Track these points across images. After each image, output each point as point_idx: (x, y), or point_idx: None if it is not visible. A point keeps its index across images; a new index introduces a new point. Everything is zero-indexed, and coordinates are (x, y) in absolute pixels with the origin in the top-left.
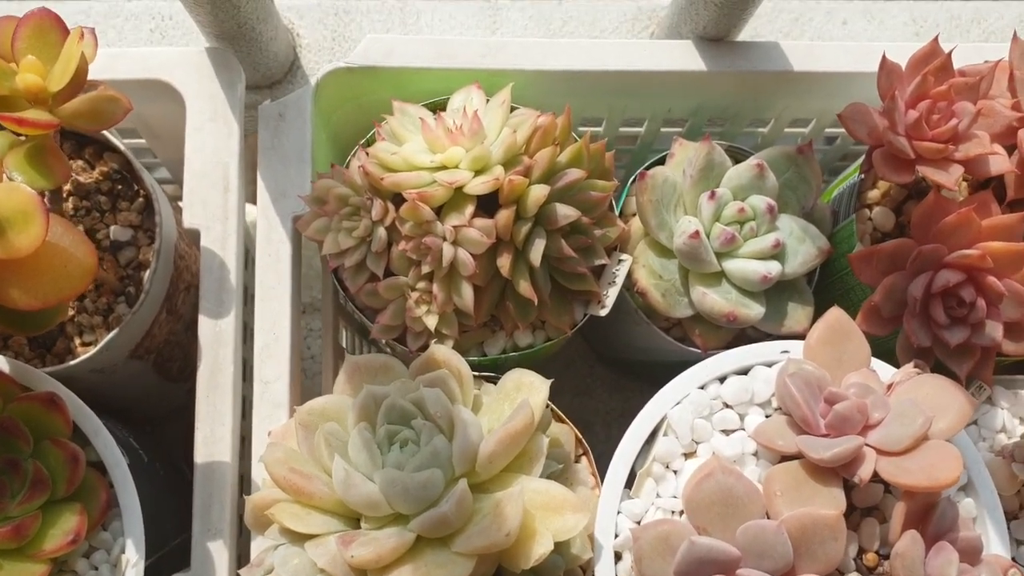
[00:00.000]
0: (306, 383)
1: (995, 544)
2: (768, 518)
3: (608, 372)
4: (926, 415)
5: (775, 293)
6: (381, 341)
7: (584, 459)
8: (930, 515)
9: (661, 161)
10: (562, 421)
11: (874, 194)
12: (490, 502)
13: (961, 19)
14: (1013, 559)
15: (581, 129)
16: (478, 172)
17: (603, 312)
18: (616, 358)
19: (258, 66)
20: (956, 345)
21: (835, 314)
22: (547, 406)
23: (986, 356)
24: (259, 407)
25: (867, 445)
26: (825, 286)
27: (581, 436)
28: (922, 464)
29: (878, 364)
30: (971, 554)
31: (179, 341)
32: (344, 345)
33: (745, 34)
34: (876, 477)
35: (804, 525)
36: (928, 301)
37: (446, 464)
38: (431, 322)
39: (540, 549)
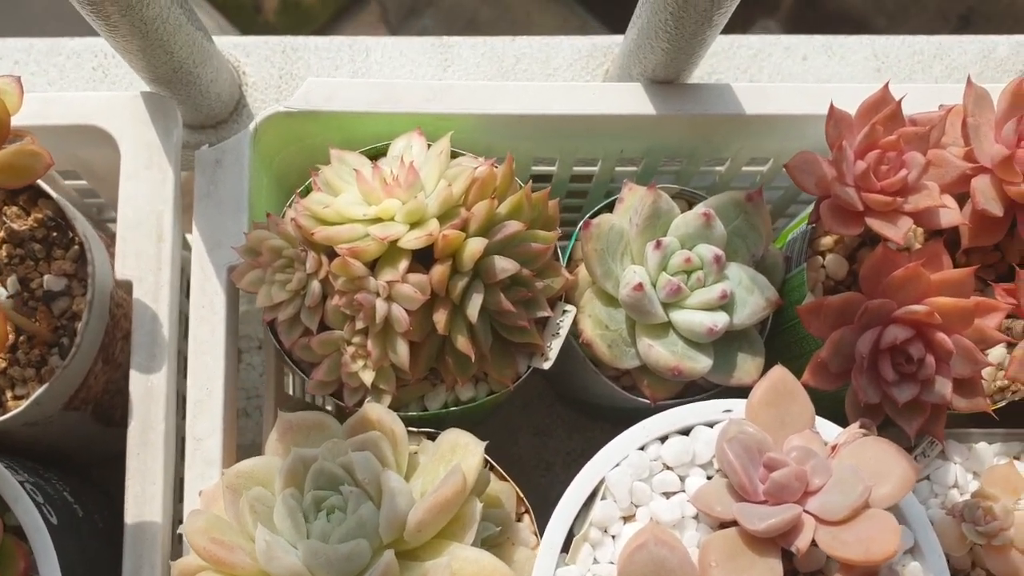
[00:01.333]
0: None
1: None
2: None
3: (568, 412)
4: (865, 484)
5: (724, 344)
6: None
7: (526, 517)
8: None
9: (611, 206)
10: (503, 479)
11: (827, 241)
12: (418, 572)
13: (924, 54)
14: None
15: (535, 169)
16: (413, 225)
17: (546, 365)
18: (574, 398)
19: (200, 107)
20: (905, 403)
21: (778, 373)
22: (487, 466)
23: (937, 412)
24: (192, 464)
25: (807, 512)
26: (777, 334)
27: (522, 494)
28: (859, 536)
29: (823, 424)
30: None
31: (120, 388)
32: (291, 392)
33: (702, 71)
34: (816, 544)
35: None
36: (876, 357)
37: (373, 534)
38: (367, 377)
39: None
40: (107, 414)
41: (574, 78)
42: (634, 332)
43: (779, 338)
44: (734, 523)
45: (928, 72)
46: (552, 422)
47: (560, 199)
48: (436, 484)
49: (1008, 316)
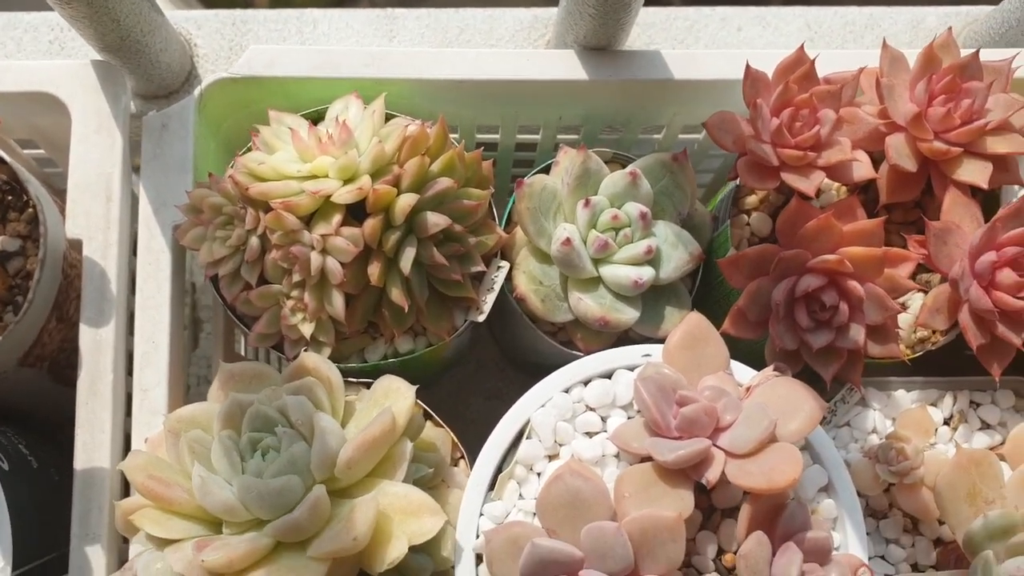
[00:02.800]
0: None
1: (853, 544)
2: (617, 520)
3: (519, 375)
4: (771, 419)
5: (652, 297)
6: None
7: (462, 462)
8: (779, 516)
9: (549, 169)
10: (439, 426)
11: (752, 200)
12: (347, 508)
13: (856, 25)
14: (882, 557)
15: (481, 137)
16: (346, 181)
17: (480, 318)
18: (523, 361)
19: (151, 77)
20: (820, 348)
21: (695, 319)
22: (424, 412)
23: (853, 359)
24: (138, 414)
25: (717, 447)
26: (709, 291)
27: (457, 440)
28: (763, 467)
29: (739, 368)
30: (820, 554)
31: (76, 347)
32: (244, 354)
33: (640, 42)
34: (726, 477)
35: (644, 527)
36: (792, 305)
37: (305, 471)
38: (307, 330)
39: (394, 552)
40: (63, 373)
41: (516, 48)
42: (566, 287)
43: (710, 295)
44: (650, 459)
45: (860, 42)
46: (504, 385)
47: (510, 167)
48: (366, 424)
49: (929, 271)
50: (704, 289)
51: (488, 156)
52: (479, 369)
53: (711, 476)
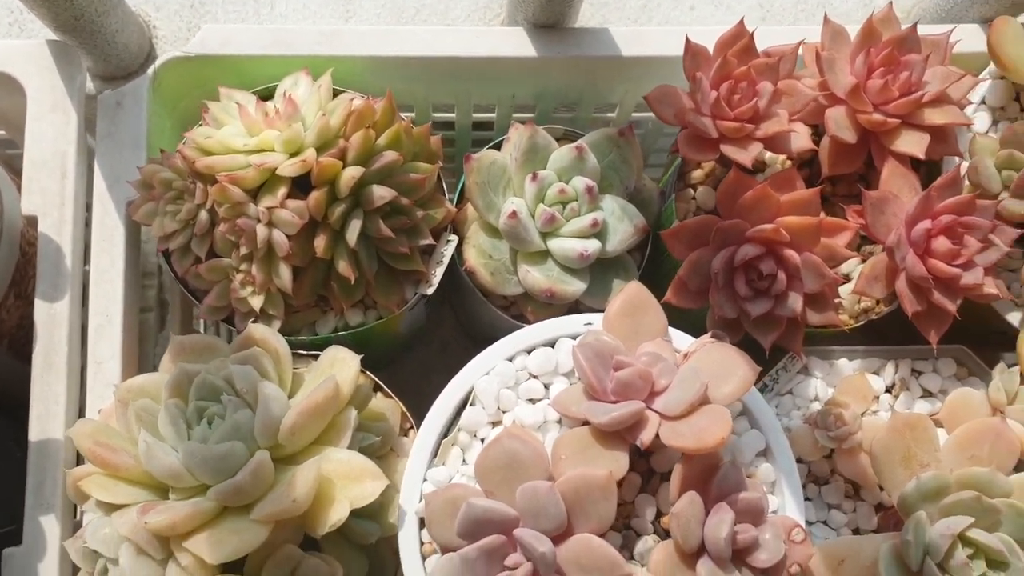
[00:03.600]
0: None
1: (790, 507)
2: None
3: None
4: (702, 381)
5: (600, 270)
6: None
7: (412, 432)
8: (712, 478)
9: (500, 146)
10: (389, 397)
11: (698, 174)
12: (291, 473)
13: (808, 3)
14: (824, 522)
15: (438, 116)
16: (292, 155)
17: (429, 291)
18: (483, 337)
19: (109, 58)
20: (758, 316)
21: (634, 288)
22: (374, 385)
23: (792, 327)
24: (93, 386)
25: (652, 410)
26: (656, 266)
27: (407, 411)
28: (694, 428)
29: (679, 335)
30: (754, 514)
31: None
32: (202, 331)
33: (595, 21)
34: (660, 439)
35: (577, 487)
36: (731, 274)
37: (249, 437)
38: (256, 303)
39: (335, 515)
40: (23, 350)
41: (472, 27)
42: (516, 261)
43: (659, 270)
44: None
45: (812, 19)
46: (466, 362)
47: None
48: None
49: (873, 243)
50: (653, 264)
51: (446, 135)
52: (443, 350)
53: (645, 438)
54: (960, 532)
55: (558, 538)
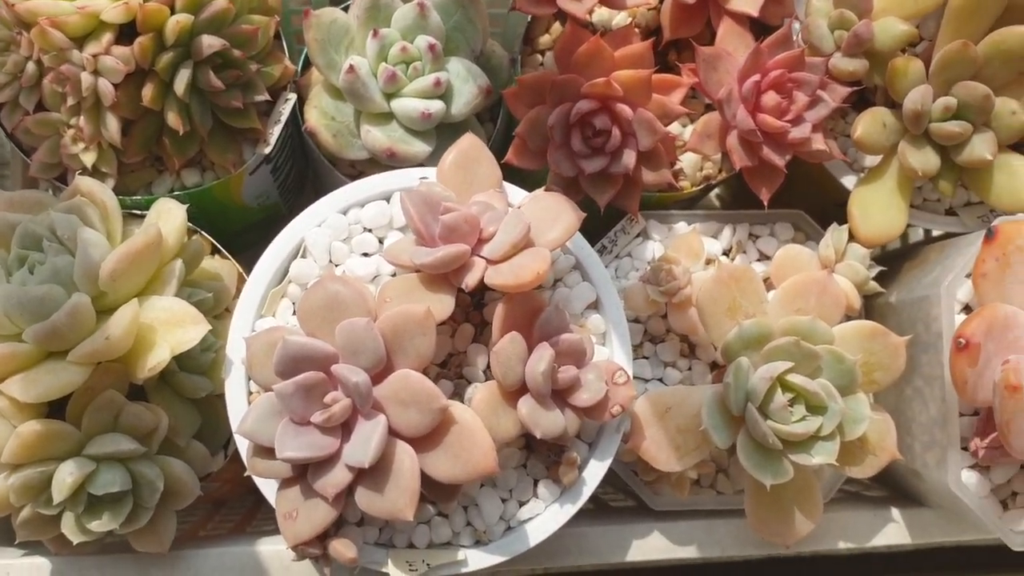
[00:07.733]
0: None
1: (618, 355)
2: None
3: None
4: (525, 223)
5: (448, 134)
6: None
7: None
8: (535, 320)
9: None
10: (226, 258)
11: (546, 39)
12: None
13: None
14: (660, 380)
15: None
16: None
17: (266, 150)
18: None
19: None
20: (593, 173)
21: (468, 140)
22: (212, 247)
23: (629, 186)
24: None
25: (479, 256)
26: (508, 134)
27: (245, 273)
28: (513, 266)
29: (514, 189)
30: (575, 355)
31: None
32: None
33: None
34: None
35: (396, 323)
36: (567, 131)
37: (68, 282)
38: (88, 159)
39: (155, 359)
40: None
41: None
42: (359, 122)
43: (511, 138)
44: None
45: None
46: None
47: None
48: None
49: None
50: (505, 132)
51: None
52: None
53: (470, 280)
54: (779, 376)
55: (379, 375)
